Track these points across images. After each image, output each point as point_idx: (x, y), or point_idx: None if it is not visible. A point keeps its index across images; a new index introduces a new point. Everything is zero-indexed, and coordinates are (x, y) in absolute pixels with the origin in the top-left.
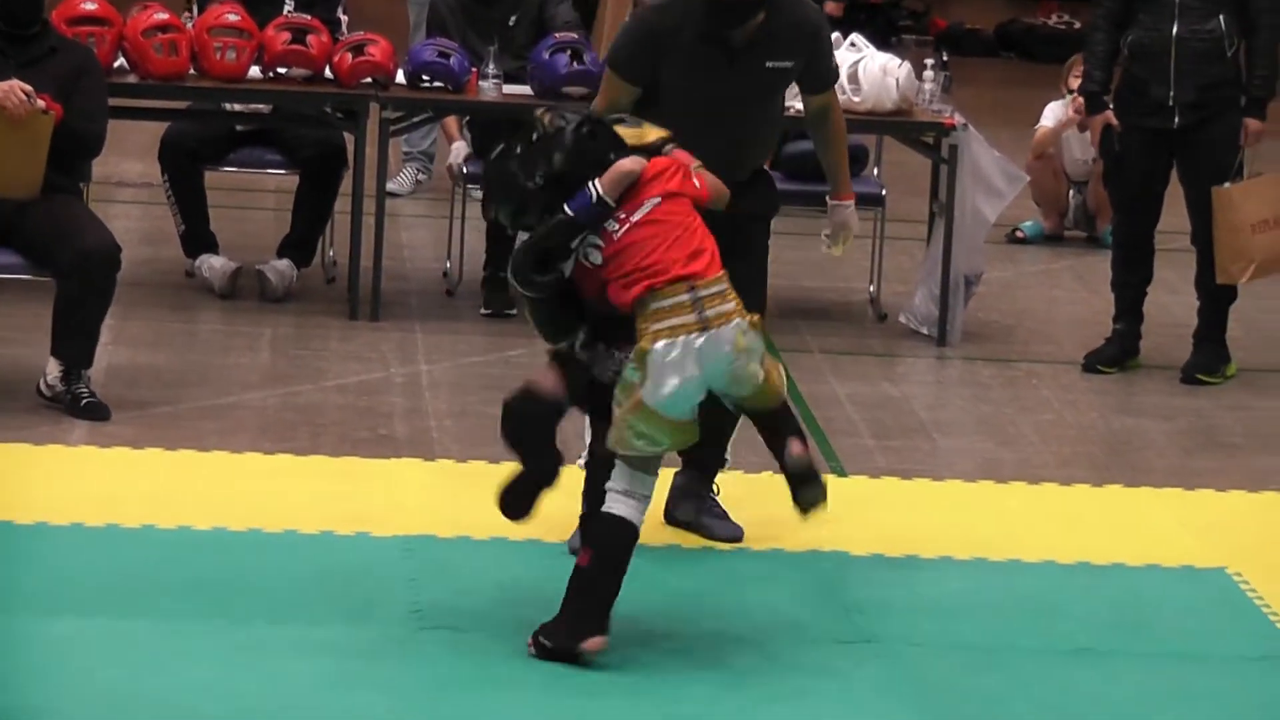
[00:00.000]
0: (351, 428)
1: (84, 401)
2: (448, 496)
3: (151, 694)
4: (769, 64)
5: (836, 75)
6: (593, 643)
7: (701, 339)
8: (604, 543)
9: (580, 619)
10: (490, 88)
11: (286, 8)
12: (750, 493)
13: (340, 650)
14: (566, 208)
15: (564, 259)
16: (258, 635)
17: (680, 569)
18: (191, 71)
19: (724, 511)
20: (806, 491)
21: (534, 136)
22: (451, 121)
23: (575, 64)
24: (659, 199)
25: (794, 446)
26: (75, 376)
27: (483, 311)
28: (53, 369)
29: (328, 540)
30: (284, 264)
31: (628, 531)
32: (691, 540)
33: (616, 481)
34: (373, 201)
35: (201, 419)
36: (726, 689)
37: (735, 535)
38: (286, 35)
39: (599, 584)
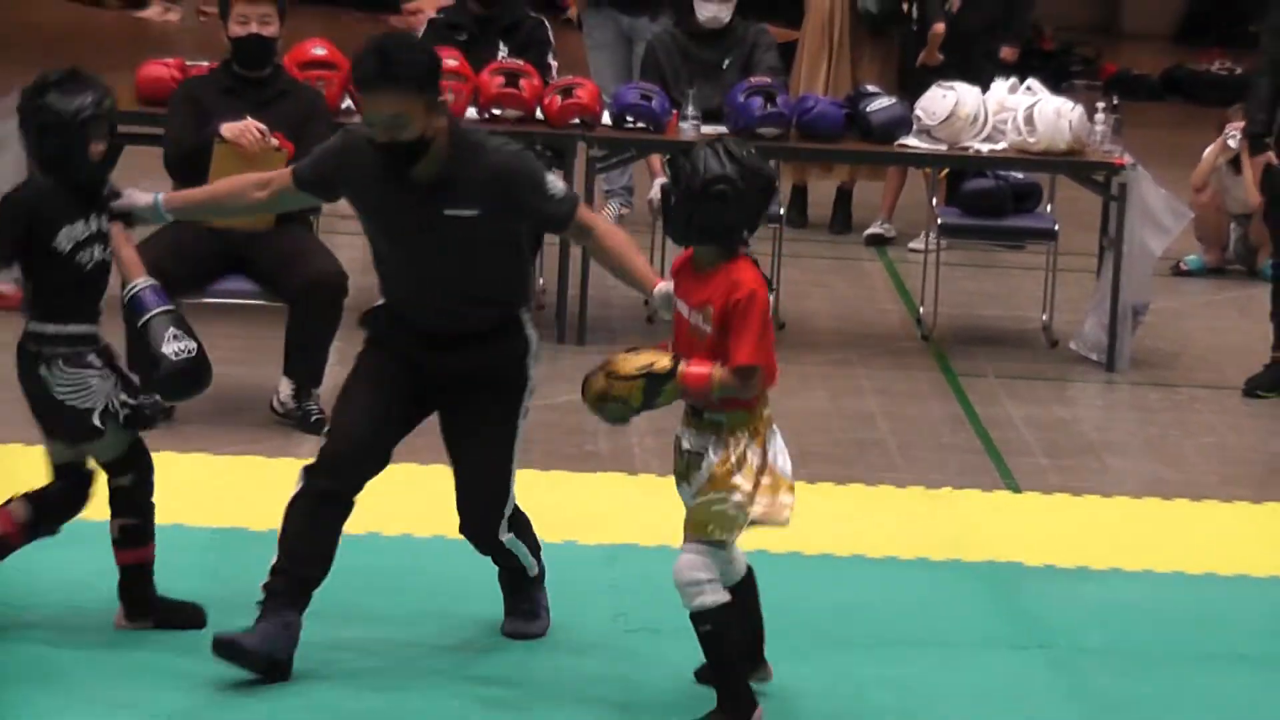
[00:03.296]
0: (559, 444)
1: (313, 418)
2: (648, 508)
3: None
4: (447, 211)
5: (572, 205)
6: (756, 715)
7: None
8: (726, 633)
9: (739, 701)
10: (689, 128)
11: (501, 53)
12: (931, 508)
13: (551, 646)
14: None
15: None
16: (482, 630)
17: (864, 578)
18: None
19: (531, 608)
20: None
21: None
22: (655, 159)
23: (769, 107)
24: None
25: None
26: (305, 394)
27: None
28: (285, 388)
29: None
30: None
31: (733, 610)
32: (875, 550)
33: (696, 571)
34: None
35: (419, 435)
36: (907, 690)
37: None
38: (501, 79)
39: (737, 666)
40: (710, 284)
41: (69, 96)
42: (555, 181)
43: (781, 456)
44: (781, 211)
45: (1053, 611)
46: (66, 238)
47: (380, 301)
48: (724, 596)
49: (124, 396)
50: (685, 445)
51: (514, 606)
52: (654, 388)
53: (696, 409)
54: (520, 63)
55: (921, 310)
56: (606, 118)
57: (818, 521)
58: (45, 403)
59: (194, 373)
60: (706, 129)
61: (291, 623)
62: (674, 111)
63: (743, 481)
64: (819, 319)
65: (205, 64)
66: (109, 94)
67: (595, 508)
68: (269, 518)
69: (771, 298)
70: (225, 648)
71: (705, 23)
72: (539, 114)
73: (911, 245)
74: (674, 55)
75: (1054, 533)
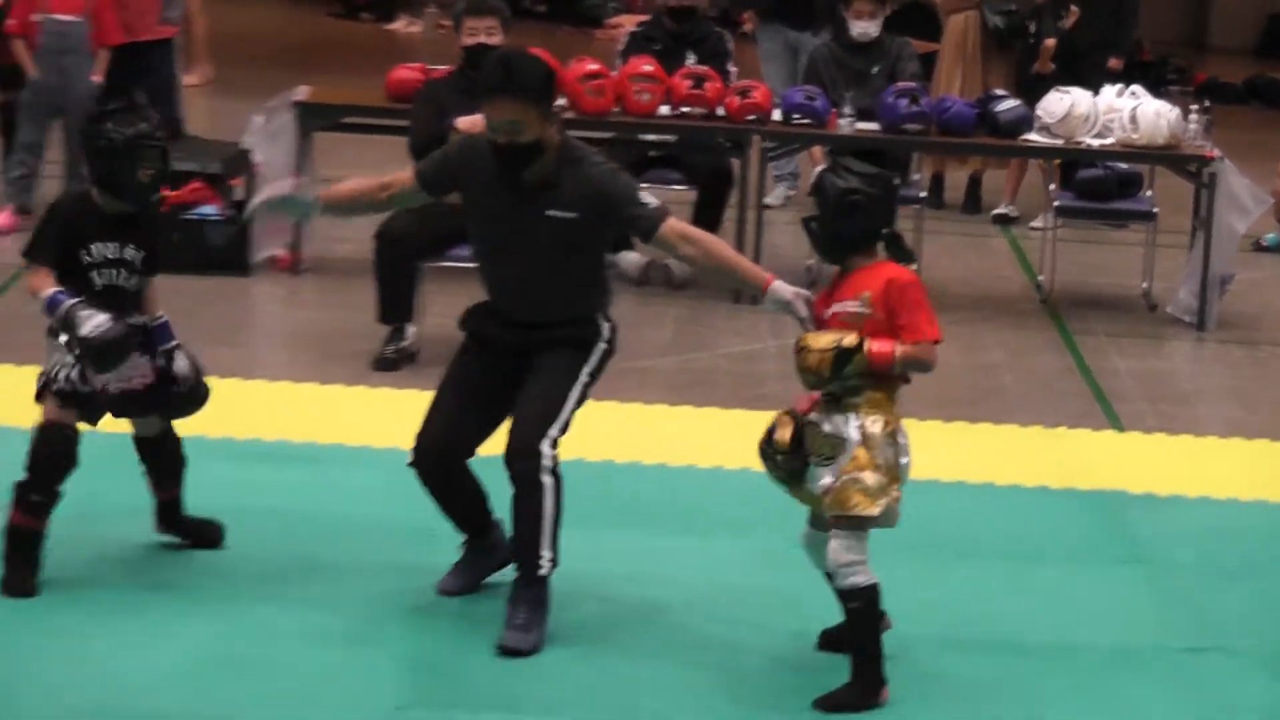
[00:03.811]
0: (736, 388)
1: None
2: None
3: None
4: (549, 213)
5: (660, 216)
6: (883, 694)
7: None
8: (871, 612)
9: (872, 679)
10: (847, 124)
11: (689, 61)
12: (1048, 445)
13: (729, 558)
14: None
15: None
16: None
17: (992, 503)
18: (615, 109)
19: (524, 622)
20: None
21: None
22: (816, 150)
23: (913, 106)
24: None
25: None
26: None
27: None
28: None
29: (719, 474)
30: None
31: (878, 593)
32: (1001, 479)
33: (850, 553)
34: (753, 213)
35: (619, 379)
36: (1028, 596)
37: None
38: (689, 82)
39: (876, 645)
40: (860, 278)
41: (125, 125)
42: (647, 197)
43: (907, 456)
44: (922, 195)
45: (1151, 533)
46: (96, 253)
47: (481, 301)
48: (873, 578)
49: (73, 375)
50: (824, 429)
51: (513, 615)
52: (843, 360)
53: (834, 396)
54: (705, 69)
55: (1040, 278)
56: (777, 115)
57: (952, 454)
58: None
59: (115, 340)
60: (860, 125)
61: (484, 548)
62: (833, 110)
63: (883, 465)
64: (952, 285)
65: (443, 68)
66: (162, 126)
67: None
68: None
69: (914, 268)
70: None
71: (857, 37)
72: (720, 111)
73: (1032, 224)
74: (830, 64)
75: (1153, 466)
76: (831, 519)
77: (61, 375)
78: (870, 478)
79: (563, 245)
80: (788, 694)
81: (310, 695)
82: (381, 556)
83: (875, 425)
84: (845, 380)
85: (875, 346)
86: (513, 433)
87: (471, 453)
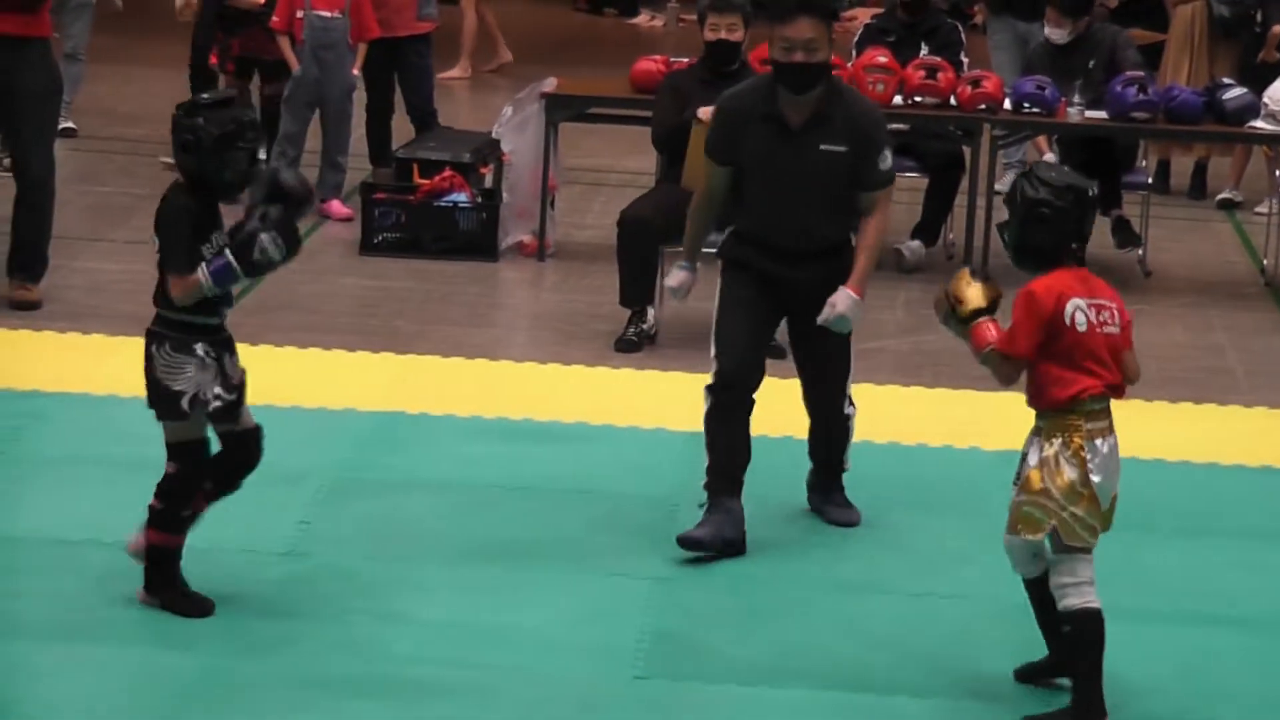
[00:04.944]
0: (967, 369)
1: (771, 344)
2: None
3: None
4: (822, 146)
5: (886, 180)
6: None
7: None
8: (1085, 637)
9: (1091, 706)
10: (1076, 113)
11: (922, 52)
12: (1274, 425)
13: (958, 533)
14: None
15: None
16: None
17: (1218, 482)
18: None
19: (846, 500)
20: None
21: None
22: (1041, 139)
23: (1141, 95)
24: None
25: None
26: None
27: None
28: None
29: (948, 453)
30: (915, 244)
31: (1101, 619)
32: (1226, 459)
33: (1063, 575)
34: (984, 199)
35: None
36: (1257, 573)
37: (851, 521)
38: (922, 72)
39: (1091, 671)
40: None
41: (215, 122)
42: (890, 156)
43: (1101, 475)
44: (1149, 181)
45: None
46: (215, 241)
47: (729, 230)
48: (1090, 602)
49: (218, 390)
50: (1023, 449)
51: (829, 498)
52: (952, 319)
53: (1038, 416)
54: (938, 60)
55: (1265, 262)
56: (1007, 104)
57: (1179, 434)
58: (149, 378)
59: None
60: (1089, 114)
61: (733, 509)
62: (1062, 100)
63: (1053, 488)
64: (1178, 269)
65: (685, 60)
66: (254, 125)
67: (1006, 422)
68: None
69: (1139, 251)
70: (687, 543)
71: (1051, 39)
72: (952, 101)
73: (1257, 209)
74: (1045, 60)
75: None
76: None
77: (211, 394)
78: (1037, 501)
79: (829, 177)
80: (1026, 698)
81: (553, 664)
82: (623, 531)
83: (1052, 448)
84: (958, 335)
85: (980, 331)
86: (816, 397)
87: (760, 383)
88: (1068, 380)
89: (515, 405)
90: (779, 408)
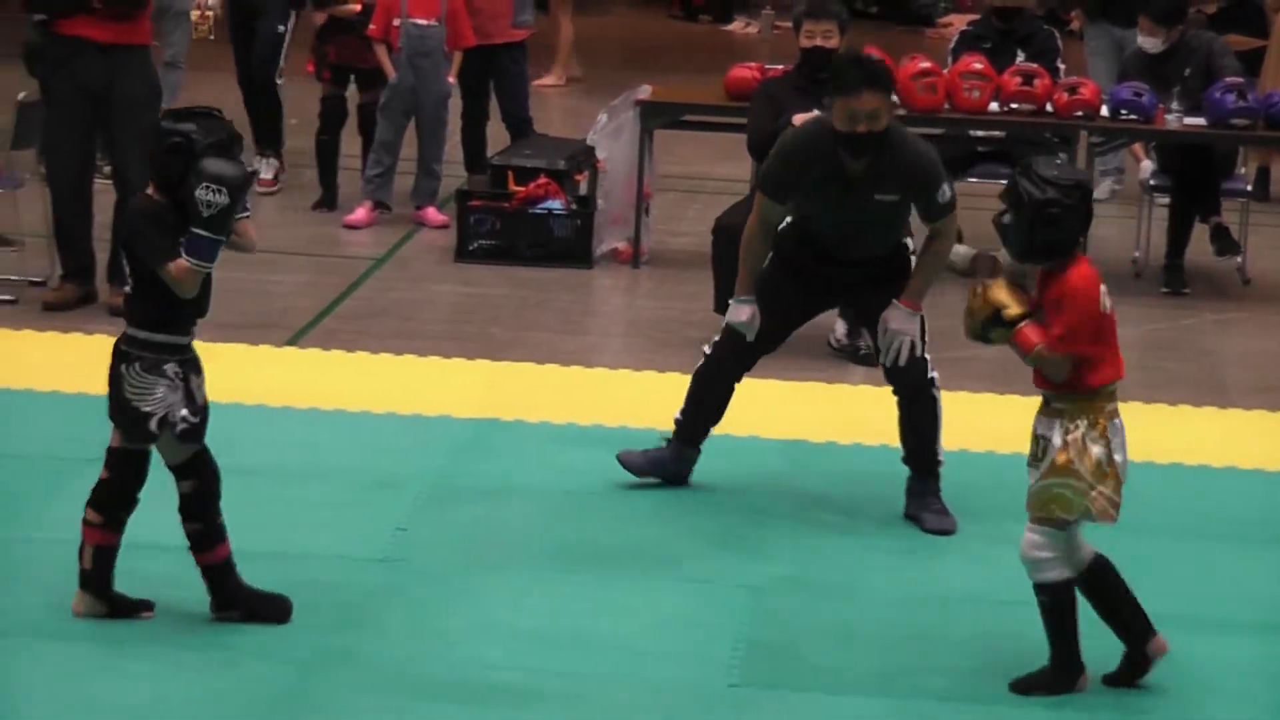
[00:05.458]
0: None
1: (861, 353)
2: None
3: None
4: (877, 196)
5: (947, 210)
6: (1082, 681)
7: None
8: (1059, 606)
9: (1068, 665)
10: (1174, 120)
11: (1018, 58)
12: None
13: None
14: None
15: None
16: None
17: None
18: (945, 106)
19: (942, 507)
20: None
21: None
22: (1138, 146)
23: (1240, 101)
24: None
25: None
26: (857, 333)
27: (1162, 290)
28: (839, 327)
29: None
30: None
31: (1070, 587)
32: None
33: (1040, 550)
34: None
35: (948, 366)
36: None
37: (946, 529)
38: (1018, 79)
39: (1068, 635)
40: (1054, 280)
41: (207, 129)
42: (948, 187)
43: (1120, 453)
44: (1248, 188)
45: None
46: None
47: (788, 221)
48: (1064, 574)
49: (184, 412)
50: (1037, 430)
51: (925, 505)
52: (992, 325)
53: (1046, 397)
54: (1034, 66)
55: None
56: (1104, 110)
57: (1272, 444)
58: (116, 397)
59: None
60: (1188, 120)
61: (683, 453)
62: (1159, 106)
63: (1082, 469)
64: (1278, 276)
65: (780, 67)
66: (238, 138)
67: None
68: (826, 430)
69: (1238, 259)
70: (627, 464)
71: (1145, 49)
72: (1049, 107)
73: None
74: (1140, 67)
75: None
76: (1031, 516)
77: (179, 415)
78: (1070, 482)
79: (884, 221)
80: (1114, 706)
81: (647, 672)
82: (715, 538)
83: (1078, 429)
84: (991, 343)
85: (1026, 333)
86: (898, 373)
87: (757, 359)
88: (1103, 366)
89: (609, 412)
90: (876, 414)
